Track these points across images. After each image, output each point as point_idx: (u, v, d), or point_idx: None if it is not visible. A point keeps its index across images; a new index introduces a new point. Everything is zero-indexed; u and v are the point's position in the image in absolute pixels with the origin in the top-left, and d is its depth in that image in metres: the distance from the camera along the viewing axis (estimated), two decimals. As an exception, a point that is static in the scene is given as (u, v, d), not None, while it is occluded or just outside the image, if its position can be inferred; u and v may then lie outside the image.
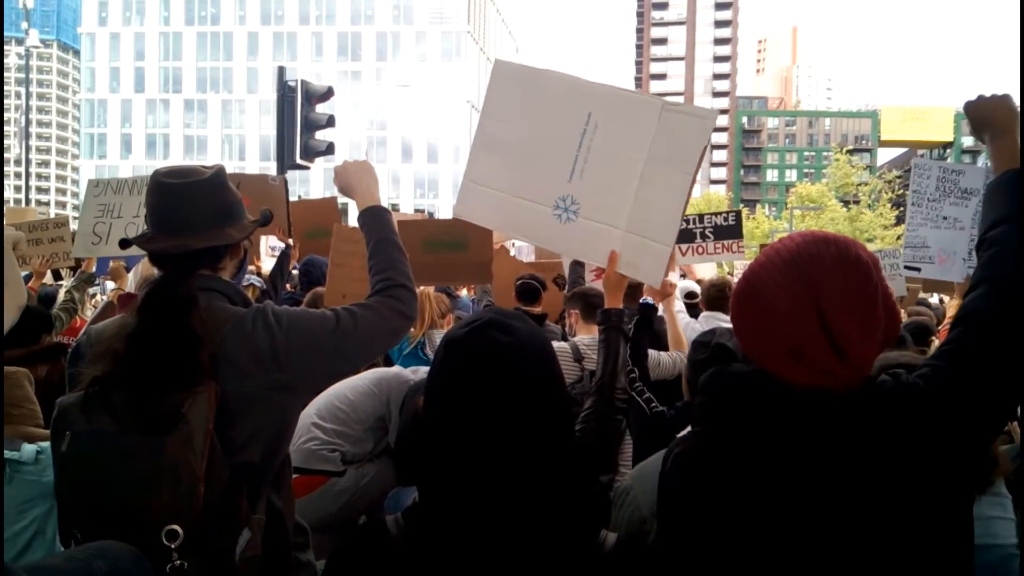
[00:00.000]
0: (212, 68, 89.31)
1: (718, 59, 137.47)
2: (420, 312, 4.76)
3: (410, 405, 3.50)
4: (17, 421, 2.81)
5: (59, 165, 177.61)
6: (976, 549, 1.47)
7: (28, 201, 30.71)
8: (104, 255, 5.47)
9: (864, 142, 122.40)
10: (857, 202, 57.82)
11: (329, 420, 3.51)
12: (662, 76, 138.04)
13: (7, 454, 2.35)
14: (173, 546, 1.69)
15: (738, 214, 7.62)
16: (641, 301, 4.01)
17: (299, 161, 11.15)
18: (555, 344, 4.16)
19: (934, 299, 10.20)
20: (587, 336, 4.31)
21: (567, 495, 1.43)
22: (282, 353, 1.97)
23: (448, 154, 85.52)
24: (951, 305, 6.60)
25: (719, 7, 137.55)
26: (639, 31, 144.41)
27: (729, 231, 7.41)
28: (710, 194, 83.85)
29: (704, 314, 6.05)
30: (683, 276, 7.56)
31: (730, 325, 1.78)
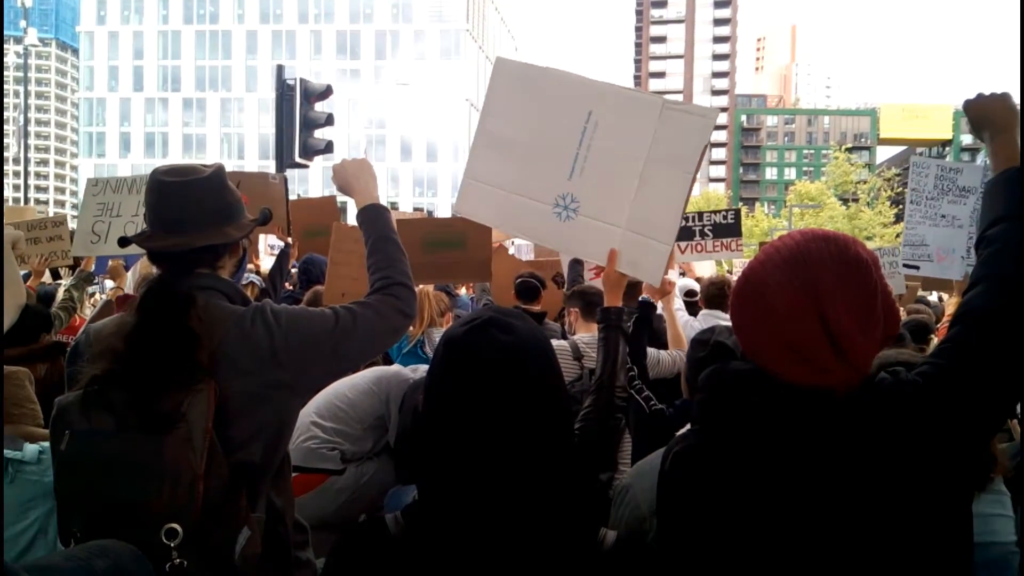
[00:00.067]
0: (211, 67, 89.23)
1: (717, 57, 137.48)
2: (419, 310, 4.76)
3: (409, 404, 3.50)
4: (18, 420, 2.81)
5: (58, 164, 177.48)
6: (975, 547, 1.47)
7: (27, 200, 30.71)
8: (103, 254, 5.46)
9: (863, 140, 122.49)
10: (856, 200, 57.80)
11: (329, 419, 3.51)
12: (661, 74, 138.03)
13: (10, 454, 2.35)
14: (173, 544, 1.69)
15: (737, 212, 7.63)
16: (640, 299, 4.01)
17: (298, 160, 11.14)
18: (554, 342, 4.16)
19: (933, 297, 10.20)
20: (586, 334, 4.31)
21: (566, 493, 1.43)
22: (281, 352, 1.97)
23: (447, 153, 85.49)
24: (950, 303, 6.61)
25: (718, 5, 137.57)
26: (638, 29, 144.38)
27: (728, 229, 7.42)
28: (709, 192, 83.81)
29: (703, 312, 6.05)
30: (682, 274, 7.56)
31: (729, 323, 1.78)
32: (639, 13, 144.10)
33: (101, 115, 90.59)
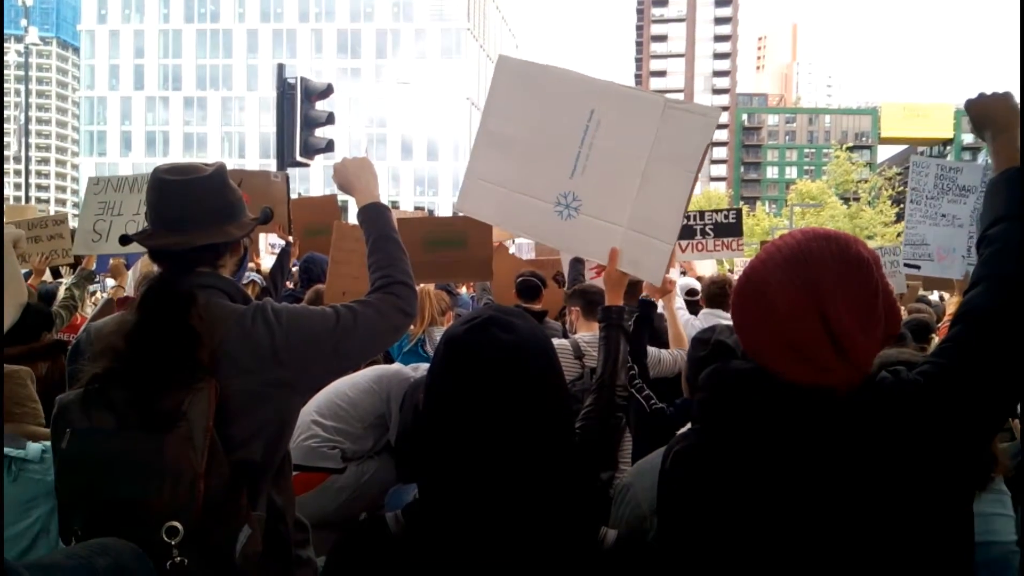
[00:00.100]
0: (212, 65, 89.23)
1: (718, 56, 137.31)
2: (420, 309, 4.76)
3: (410, 402, 3.51)
4: (20, 420, 2.81)
5: (59, 163, 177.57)
6: (976, 546, 1.47)
7: (28, 199, 30.73)
8: (104, 252, 5.47)
9: (864, 139, 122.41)
10: (857, 199, 57.77)
11: (329, 417, 3.51)
12: (662, 73, 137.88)
13: (13, 452, 2.36)
14: (173, 543, 1.69)
15: (739, 212, 7.63)
16: (640, 298, 4.01)
17: (299, 159, 11.14)
18: (555, 341, 4.16)
19: (934, 296, 10.20)
20: (587, 333, 4.31)
21: (567, 492, 1.43)
22: (282, 350, 1.97)
23: (448, 152, 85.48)
24: (951, 302, 6.61)
25: (719, 4, 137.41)
26: (639, 28, 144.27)
27: (729, 229, 7.42)
28: (710, 191, 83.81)
29: (704, 311, 6.05)
30: (683, 273, 7.56)
31: (730, 322, 1.78)
32: (640, 12, 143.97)
33: (102, 114, 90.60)
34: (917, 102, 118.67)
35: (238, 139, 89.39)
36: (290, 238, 5.82)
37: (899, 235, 5.42)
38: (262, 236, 8.22)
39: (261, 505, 1.97)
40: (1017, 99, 1.72)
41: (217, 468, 1.78)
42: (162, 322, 1.90)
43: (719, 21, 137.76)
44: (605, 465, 2.16)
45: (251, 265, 6.62)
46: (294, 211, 6.35)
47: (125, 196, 5.25)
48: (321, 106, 11.68)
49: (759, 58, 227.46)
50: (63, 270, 7.58)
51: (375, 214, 2.40)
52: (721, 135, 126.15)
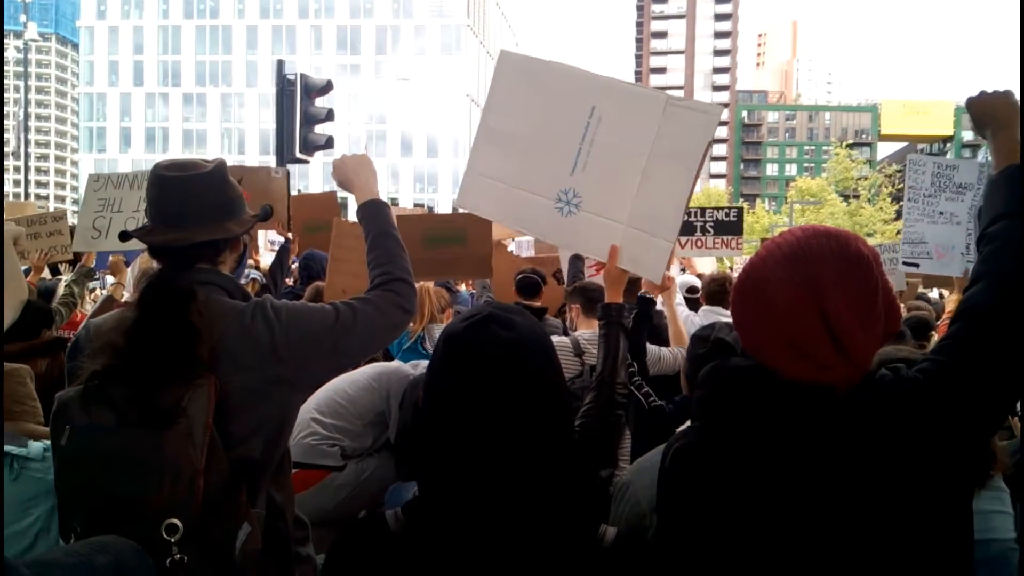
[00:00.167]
0: (211, 62, 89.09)
1: (718, 53, 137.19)
2: (420, 307, 4.76)
3: (410, 400, 3.51)
4: (20, 418, 2.81)
5: (58, 159, 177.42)
6: (975, 544, 1.47)
7: (27, 195, 30.71)
8: (104, 249, 5.46)
9: (864, 136, 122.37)
10: (857, 196, 57.77)
11: (329, 415, 3.51)
12: (662, 70, 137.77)
13: (15, 450, 2.35)
14: (173, 540, 1.69)
15: (740, 211, 7.64)
16: (639, 295, 4.01)
17: (298, 155, 11.12)
18: (555, 338, 4.16)
19: (934, 294, 10.19)
20: (587, 331, 4.31)
21: (566, 490, 1.43)
22: (281, 347, 1.97)
23: (448, 148, 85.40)
24: (950, 300, 6.60)
25: (719, 1, 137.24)
26: (639, 24, 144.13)
27: (729, 227, 7.43)
28: (710, 189, 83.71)
29: (703, 308, 6.04)
30: (683, 270, 7.56)
31: (730, 320, 1.78)
32: (640, 8, 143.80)
33: (101, 110, 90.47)
34: (917, 99, 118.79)
35: (238, 135, 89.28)
36: (289, 235, 5.82)
37: (899, 232, 5.43)
38: (261, 233, 8.20)
39: (261, 502, 1.97)
40: (1017, 97, 1.72)
41: (217, 465, 1.78)
42: (162, 318, 1.90)
43: (719, 18, 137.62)
44: (605, 463, 2.15)
45: (250, 262, 6.61)
46: (293, 208, 6.34)
47: (125, 193, 5.25)
48: (321, 102, 11.66)
49: (759, 55, 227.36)
50: (62, 267, 7.57)
51: (374, 211, 2.40)
52: (721, 132, 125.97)
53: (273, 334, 1.97)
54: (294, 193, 7.17)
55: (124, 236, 2.21)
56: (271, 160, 13.54)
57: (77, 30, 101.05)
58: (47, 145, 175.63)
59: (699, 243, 7.43)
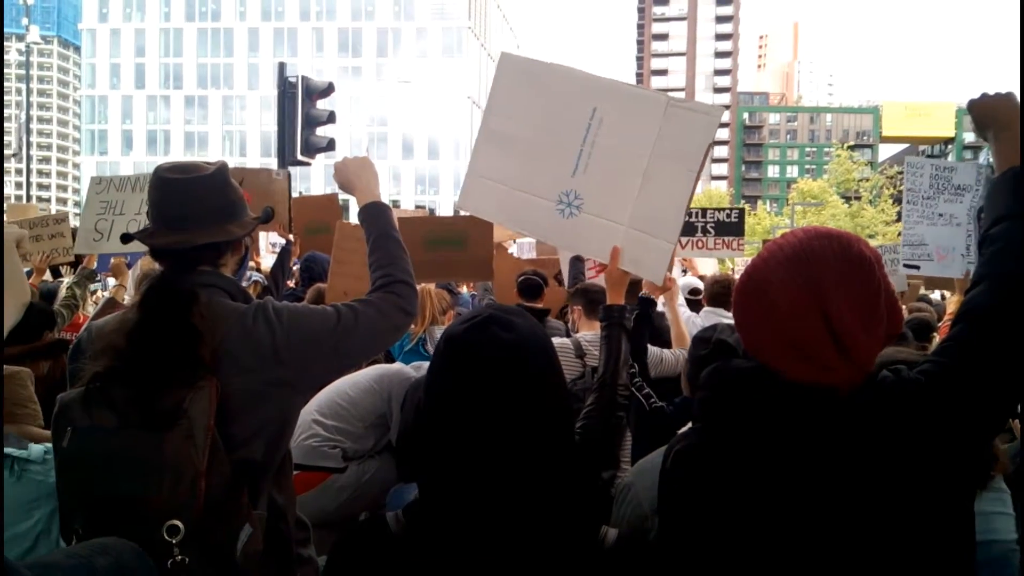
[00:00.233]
0: (213, 64, 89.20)
1: (719, 55, 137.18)
2: (421, 309, 4.76)
3: (411, 402, 3.50)
4: (21, 420, 2.81)
5: (60, 161, 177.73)
6: (977, 545, 1.47)
7: (29, 197, 30.75)
8: (105, 251, 5.47)
9: (865, 138, 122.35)
10: (858, 198, 57.73)
11: (330, 417, 3.51)
12: (663, 72, 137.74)
13: (16, 452, 2.35)
14: (174, 541, 1.69)
15: (741, 212, 7.63)
16: (639, 296, 4.01)
17: (300, 157, 11.13)
18: (557, 340, 4.16)
19: (935, 295, 10.19)
20: (589, 332, 4.31)
21: (568, 491, 1.43)
22: (283, 349, 1.97)
23: (449, 150, 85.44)
24: (952, 301, 6.60)
25: (720, 3, 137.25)
26: (640, 27, 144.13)
27: (731, 228, 7.42)
28: (711, 190, 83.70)
29: (705, 310, 6.04)
30: (684, 272, 7.56)
31: (732, 321, 1.78)
32: (641, 10, 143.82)
33: (103, 112, 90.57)
34: (918, 101, 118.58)
35: (239, 138, 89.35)
36: (291, 237, 5.82)
37: (899, 234, 5.44)
38: (263, 235, 8.22)
39: (262, 504, 1.97)
40: (1018, 98, 1.72)
41: (218, 467, 1.78)
42: (163, 320, 1.90)
43: (720, 20, 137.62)
44: (606, 464, 2.15)
45: (252, 264, 6.62)
46: (295, 210, 6.35)
47: (127, 196, 5.26)
48: (322, 105, 11.67)
49: (760, 57, 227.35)
50: (63, 269, 7.59)
51: (376, 213, 2.40)
52: (722, 134, 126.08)
53: (274, 336, 1.97)
54: (295, 195, 7.19)
55: (126, 238, 2.21)
56: (273, 162, 13.55)
57: (79, 33, 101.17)
58: (49, 148, 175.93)
59: (700, 244, 7.42)
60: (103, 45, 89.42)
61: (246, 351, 1.94)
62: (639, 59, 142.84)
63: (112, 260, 5.70)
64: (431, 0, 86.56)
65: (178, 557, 1.69)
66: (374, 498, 3.53)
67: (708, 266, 8.76)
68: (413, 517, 1.43)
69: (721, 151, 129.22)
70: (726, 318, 5.10)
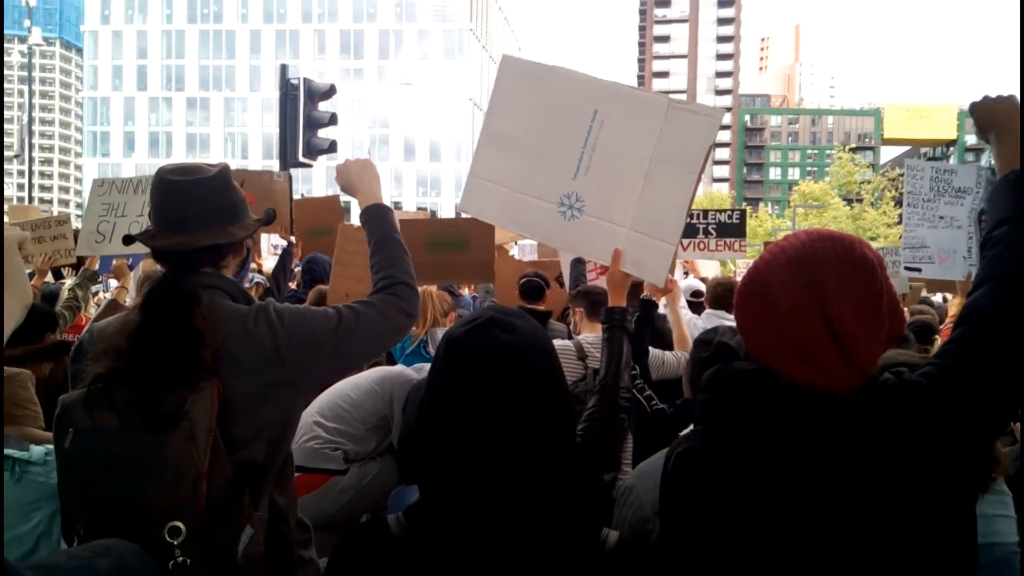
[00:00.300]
0: (215, 66, 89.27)
1: (721, 57, 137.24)
2: (423, 310, 4.76)
3: (413, 404, 3.50)
4: (21, 422, 2.81)
5: (62, 163, 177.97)
6: (979, 548, 1.46)
7: (31, 199, 30.80)
8: (107, 253, 5.48)
9: (867, 140, 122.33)
10: (860, 200, 57.73)
11: (331, 419, 3.51)
12: (664, 74, 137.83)
13: (16, 454, 2.35)
14: (176, 543, 1.69)
15: (743, 213, 7.62)
16: (641, 298, 4.01)
17: (301, 159, 11.15)
18: (558, 342, 4.16)
19: (937, 298, 10.18)
20: (591, 334, 4.31)
21: (569, 494, 1.43)
22: (284, 350, 1.97)
23: (450, 152, 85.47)
24: (953, 304, 6.59)
25: (722, 5, 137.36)
26: (641, 29, 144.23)
27: (732, 229, 7.41)
28: (713, 192, 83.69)
29: (707, 312, 6.04)
30: (686, 274, 7.56)
31: (733, 323, 1.78)
32: (643, 12, 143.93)
33: (105, 114, 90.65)
34: (920, 103, 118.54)
35: (241, 140, 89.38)
36: (292, 239, 5.83)
37: (901, 237, 5.45)
38: (264, 237, 8.22)
39: (263, 505, 1.97)
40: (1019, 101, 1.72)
41: (219, 468, 1.78)
42: (165, 322, 1.90)
43: (722, 22, 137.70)
44: (608, 466, 2.15)
45: (253, 266, 6.62)
46: (297, 212, 6.36)
47: (129, 198, 5.27)
48: (324, 107, 11.69)
49: (762, 59, 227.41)
50: (65, 271, 7.60)
51: (377, 215, 2.41)
52: (724, 136, 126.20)
53: (276, 337, 1.97)
54: (297, 197, 7.19)
55: (128, 240, 2.22)
56: (274, 164, 13.56)
57: (81, 35, 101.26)
58: (51, 149, 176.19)
59: (701, 245, 7.41)
60: (105, 47, 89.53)
61: (247, 352, 1.94)
62: (640, 61, 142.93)
63: (114, 262, 5.71)
64: (433, 2, 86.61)
65: (179, 558, 1.69)
66: (375, 500, 3.52)
67: (710, 268, 8.75)
68: (414, 519, 1.43)
69: (722, 153, 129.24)
70: (728, 320, 5.10)
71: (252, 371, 1.93)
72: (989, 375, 1.39)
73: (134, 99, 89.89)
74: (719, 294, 5.98)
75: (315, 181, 69.73)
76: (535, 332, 1.48)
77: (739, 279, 2.35)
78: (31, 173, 28.85)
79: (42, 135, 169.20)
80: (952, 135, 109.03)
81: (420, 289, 2.45)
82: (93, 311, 6.37)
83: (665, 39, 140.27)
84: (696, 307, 6.39)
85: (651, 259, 2.49)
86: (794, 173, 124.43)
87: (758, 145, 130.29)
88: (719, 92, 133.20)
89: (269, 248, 9.37)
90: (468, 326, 1.45)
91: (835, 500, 1.38)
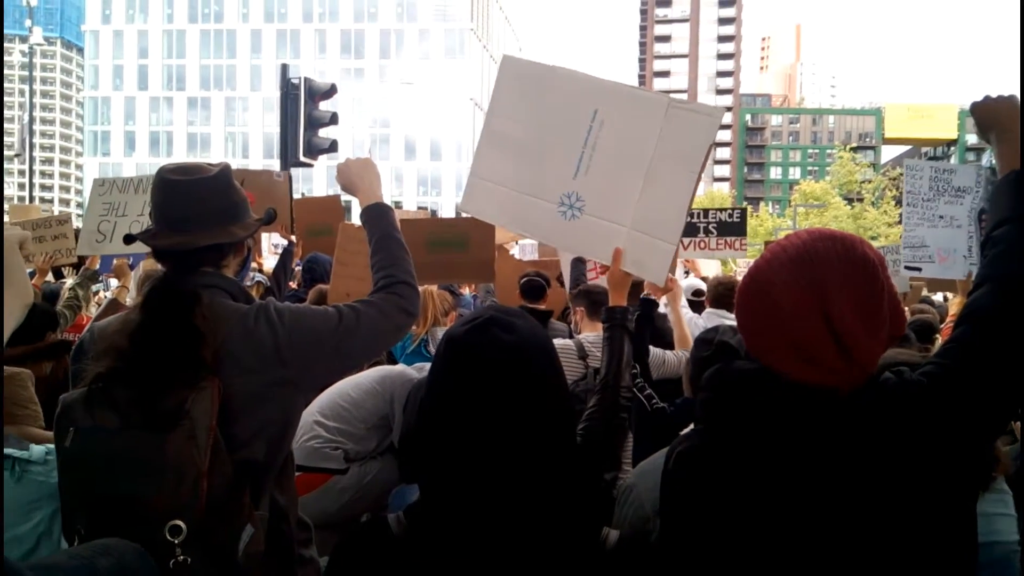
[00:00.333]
0: (215, 66, 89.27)
1: (722, 56, 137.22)
2: (423, 310, 4.77)
3: (414, 403, 3.50)
4: (21, 421, 2.81)
5: (63, 163, 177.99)
6: (979, 547, 1.46)
7: (31, 199, 30.82)
8: (108, 253, 5.48)
9: (868, 139, 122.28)
10: (861, 200, 57.72)
11: (332, 418, 3.51)
12: (665, 73, 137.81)
13: (17, 453, 2.36)
14: (176, 542, 1.69)
15: (743, 211, 7.61)
16: (641, 296, 4.01)
17: (302, 159, 11.15)
18: (559, 341, 4.16)
19: (938, 297, 10.17)
20: (591, 333, 4.31)
21: (569, 493, 1.43)
22: (285, 349, 1.97)
23: (451, 152, 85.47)
24: (954, 303, 6.59)
25: (723, 4, 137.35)
26: (642, 28, 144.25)
27: (733, 228, 7.40)
28: (714, 192, 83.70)
29: (707, 311, 6.04)
30: (687, 274, 7.56)
31: (734, 323, 1.78)
32: (643, 12, 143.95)
33: (106, 114, 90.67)
34: (921, 102, 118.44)
35: (242, 139, 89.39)
36: (293, 238, 5.84)
37: (902, 236, 5.46)
38: (265, 236, 8.23)
39: (264, 504, 1.97)
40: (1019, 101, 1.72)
41: (220, 467, 1.78)
42: (166, 321, 1.91)
43: (723, 21, 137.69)
44: (609, 466, 2.15)
45: (254, 265, 6.62)
46: (297, 211, 6.37)
47: (130, 197, 5.27)
48: (325, 106, 11.69)
49: (763, 58, 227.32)
50: (65, 270, 7.61)
51: (378, 214, 2.41)
52: (725, 136, 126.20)
53: (276, 336, 1.97)
54: (298, 197, 7.20)
55: (129, 239, 2.22)
56: (275, 164, 13.56)
57: (82, 34, 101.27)
58: (52, 149, 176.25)
59: (702, 244, 7.40)
60: (106, 46, 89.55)
61: (248, 352, 1.94)
62: (641, 61, 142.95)
63: (115, 261, 5.72)
64: (433, 2, 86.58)
65: (180, 557, 1.69)
66: (376, 499, 3.52)
67: (711, 267, 8.75)
68: (415, 519, 1.43)
69: (723, 153, 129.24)
70: (729, 319, 5.10)
71: (252, 370, 1.93)
72: (989, 374, 1.39)
73: (135, 99, 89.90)
74: (720, 293, 5.98)
75: (315, 180, 69.73)
76: (535, 331, 1.48)
77: (740, 278, 2.34)
78: (32, 172, 28.86)
79: (43, 134, 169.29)
80: (953, 135, 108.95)
81: (420, 288, 2.45)
82: (94, 310, 6.37)
83: (666, 39, 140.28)
84: (697, 306, 6.39)
85: (652, 258, 2.49)
86: (795, 172, 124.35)
87: (759, 144, 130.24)
88: (720, 92, 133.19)
89: (270, 247, 9.38)
90: (468, 325, 1.45)
91: (836, 499, 1.38)
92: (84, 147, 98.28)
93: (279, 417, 2.00)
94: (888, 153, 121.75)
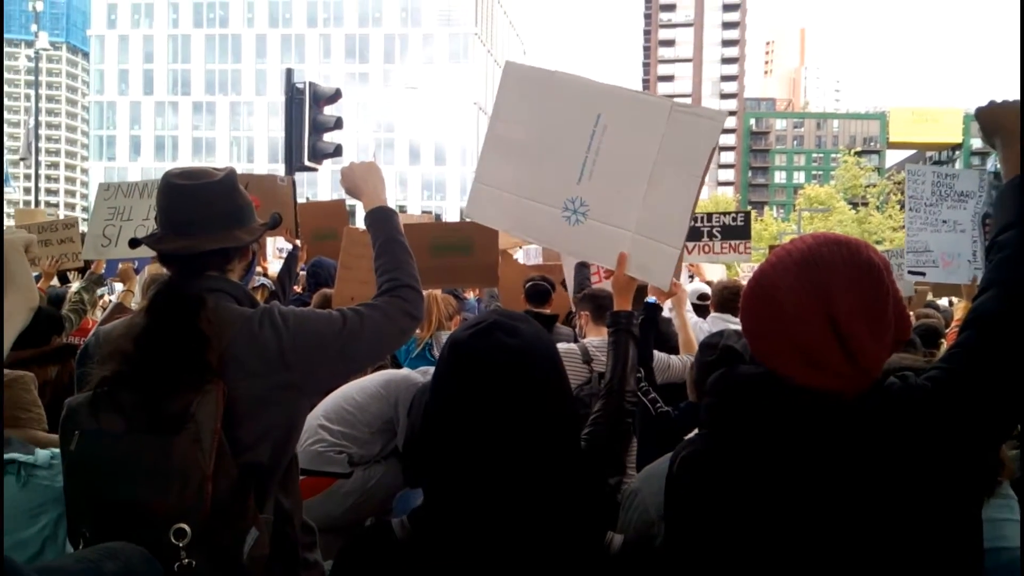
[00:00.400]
0: (220, 70, 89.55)
1: (726, 61, 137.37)
2: (428, 314, 4.77)
3: (418, 407, 3.50)
4: (25, 425, 2.82)
5: (68, 167, 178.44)
6: (985, 552, 1.46)
7: (37, 202, 30.92)
8: (113, 257, 5.49)
9: (872, 144, 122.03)
10: (866, 204, 57.63)
11: (336, 422, 3.51)
12: (669, 78, 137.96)
13: (22, 458, 2.36)
14: (181, 545, 1.70)
15: (747, 215, 7.60)
16: (645, 301, 4.01)
17: (307, 163, 11.18)
18: (563, 346, 4.16)
19: (943, 301, 10.15)
20: (596, 338, 4.31)
21: (573, 497, 1.43)
22: (289, 353, 1.98)
23: (455, 156, 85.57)
24: (959, 307, 6.58)
25: (727, 9, 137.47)
26: (646, 33, 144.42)
27: (737, 231, 7.40)
28: (718, 196, 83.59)
29: (712, 315, 6.03)
30: (692, 278, 7.55)
31: (739, 327, 1.78)
32: (648, 17, 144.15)
33: (111, 118, 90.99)
34: (926, 106, 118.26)
35: (247, 143, 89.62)
36: (298, 242, 5.84)
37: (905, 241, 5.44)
38: (270, 240, 8.23)
39: (268, 508, 1.97)
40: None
41: (225, 470, 1.78)
42: (171, 325, 1.91)
43: (727, 26, 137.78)
44: (613, 470, 2.15)
45: (259, 269, 6.64)
46: (302, 216, 6.37)
47: (135, 202, 5.28)
48: (329, 111, 11.73)
49: (767, 63, 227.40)
50: (71, 274, 7.63)
51: (382, 218, 2.41)
52: (729, 140, 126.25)
53: (281, 340, 1.97)
54: (302, 201, 7.21)
55: (134, 243, 2.22)
56: (280, 168, 13.59)
57: (88, 39, 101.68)
58: (57, 153, 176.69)
59: (706, 248, 7.40)
60: (111, 51, 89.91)
61: (253, 355, 1.94)
62: (645, 65, 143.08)
63: (120, 265, 5.72)
64: (438, 6, 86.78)
65: (185, 560, 1.70)
66: (380, 503, 3.52)
67: (715, 272, 8.74)
68: (419, 523, 1.43)
69: (728, 157, 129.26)
70: (733, 324, 5.09)
71: (257, 374, 1.94)
72: (995, 379, 1.38)
73: (140, 103, 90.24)
74: (725, 297, 5.97)
75: (320, 185, 69.89)
76: (539, 336, 1.48)
77: (744, 282, 2.34)
78: (38, 176, 28.97)
79: (49, 139, 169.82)
80: (958, 139, 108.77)
81: (425, 292, 2.45)
82: (99, 314, 6.38)
83: (670, 43, 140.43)
84: (701, 310, 6.39)
85: (656, 262, 2.49)
86: (799, 177, 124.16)
87: (763, 149, 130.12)
88: (724, 96, 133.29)
89: (274, 251, 9.39)
90: (472, 329, 1.45)
91: (840, 504, 1.38)
92: (90, 151, 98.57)
93: (283, 421, 2.00)
94: (893, 157, 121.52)
